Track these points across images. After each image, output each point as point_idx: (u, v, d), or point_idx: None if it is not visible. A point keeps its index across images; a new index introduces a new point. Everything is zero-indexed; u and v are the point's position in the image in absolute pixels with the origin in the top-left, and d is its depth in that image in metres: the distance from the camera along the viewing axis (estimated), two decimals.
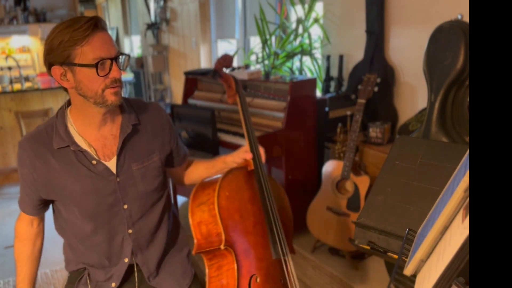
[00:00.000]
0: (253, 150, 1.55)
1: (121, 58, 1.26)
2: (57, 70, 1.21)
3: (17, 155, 1.33)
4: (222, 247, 1.34)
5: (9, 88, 4.60)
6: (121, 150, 1.34)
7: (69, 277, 1.52)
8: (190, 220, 1.42)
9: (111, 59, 1.20)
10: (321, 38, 3.42)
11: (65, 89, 1.29)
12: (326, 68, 3.28)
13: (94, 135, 1.32)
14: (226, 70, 1.80)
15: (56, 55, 1.18)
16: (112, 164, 1.33)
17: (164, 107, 3.06)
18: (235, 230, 1.39)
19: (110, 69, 1.21)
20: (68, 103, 1.35)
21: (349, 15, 3.14)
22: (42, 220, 1.49)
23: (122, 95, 1.30)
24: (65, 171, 1.30)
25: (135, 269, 1.46)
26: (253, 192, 1.49)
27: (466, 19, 1.94)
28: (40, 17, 6.25)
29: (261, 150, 1.56)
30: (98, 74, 1.19)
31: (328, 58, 3.28)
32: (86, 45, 1.17)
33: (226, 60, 1.71)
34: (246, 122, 1.62)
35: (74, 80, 1.22)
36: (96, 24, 1.18)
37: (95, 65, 1.18)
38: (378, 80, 2.70)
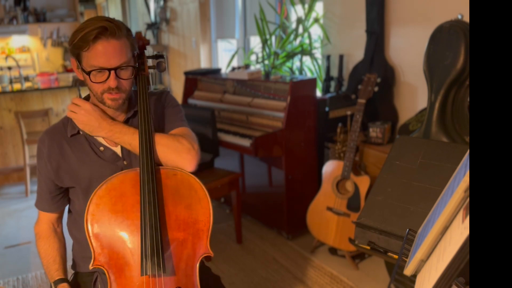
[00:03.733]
0: (141, 139, 1.31)
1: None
2: (74, 61, 1.32)
3: (36, 150, 1.42)
4: (90, 267, 1.22)
5: (9, 88, 4.60)
6: None
7: (74, 276, 1.50)
8: None
9: (109, 69, 1.25)
10: (321, 38, 3.42)
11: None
12: (326, 68, 3.28)
13: None
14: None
15: (71, 51, 1.29)
16: (118, 149, 1.39)
17: None
18: (108, 247, 1.22)
19: (108, 77, 1.26)
20: (87, 97, 1.44)
21: (349, 15, 3.14)
22: (60, 223, 1.50)
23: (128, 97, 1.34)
24: (78, 157, 1.37)
25: None
26: (139, 197, 1.26)
27: (466, 19, 1.94)
28: (40, 17, 6.24)
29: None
30: (91, 81, 1.27)
31: (328, 58, 3.28)
32: (88, 51, 1.24)
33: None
34: (141, 107, 1.35)
35: (83, 75, 1.31)
36: (102, 32, 1.21)
37: (88, 73, 1.26)
38: (378, 80, 2.70)
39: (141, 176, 1.25)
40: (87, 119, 1.33)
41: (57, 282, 1.38)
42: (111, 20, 1.25)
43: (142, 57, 1.47)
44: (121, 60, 1.25)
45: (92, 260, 1.22)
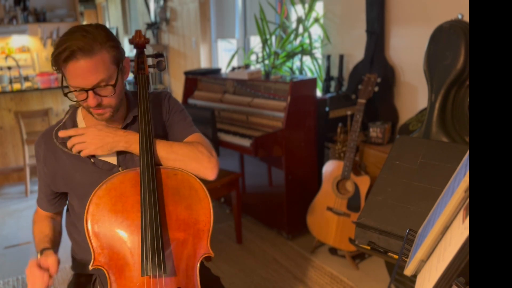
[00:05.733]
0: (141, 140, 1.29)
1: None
2: (60, 76, 1.28)
3: (34, 153, 1.41)
4: (90, 267, 1.21)
5: (8, 88, 4.60)
6: None
7: (74, 277, 1.50)
8: None
9: (86, 90, 1.20)
10: (321, 37, 3.42)
11: None
12: (326, 68, 3.28)
13: None
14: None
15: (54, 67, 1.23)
16: (113, 156, 1.34)
17: None
18: (108, 247, 1.21)
19: (87, 97, 1.21)
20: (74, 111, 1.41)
21: (350, 15, 3.14)
22: (60, 217, 1.50)
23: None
24: (73, 164, 1.34)
25: None
26: (139, 197, 1.25)
27: (466, 19, 1.94)
28: (40, 17, 6.23)
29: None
30: (77, 98, 1.24)
31: (328, 58, 3.28)
32: (64, 71, 1.19)
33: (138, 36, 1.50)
34: (141, 106, 1.34)
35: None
36: (72, 53, 1.14)
37: (64, 94, 1.25)
38: (378, 80, 2.70)
39: (141, 176, 1.24)
40: (98, 139, 1.26)
41: (43, 250, 1.30)
42: (84, 35, 1.16)
43: (142, 56, 1.46)
44: (97, 78, 1.19)
45: (92, 261, 1.21)
